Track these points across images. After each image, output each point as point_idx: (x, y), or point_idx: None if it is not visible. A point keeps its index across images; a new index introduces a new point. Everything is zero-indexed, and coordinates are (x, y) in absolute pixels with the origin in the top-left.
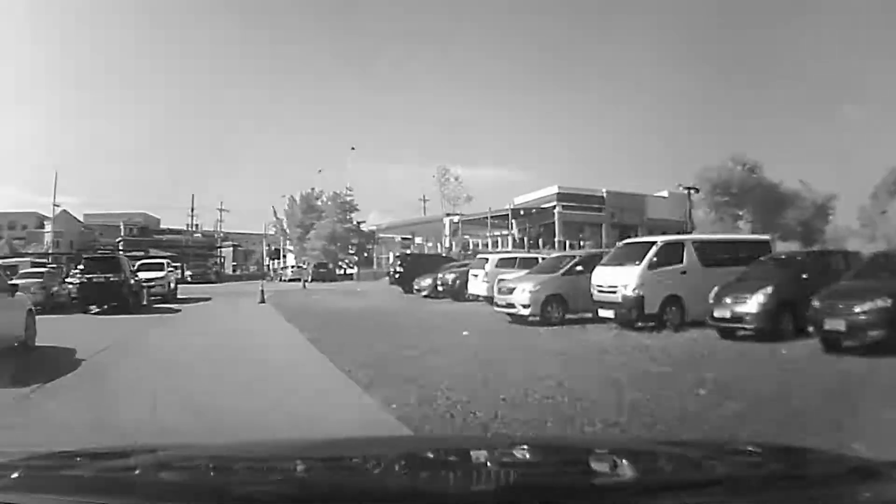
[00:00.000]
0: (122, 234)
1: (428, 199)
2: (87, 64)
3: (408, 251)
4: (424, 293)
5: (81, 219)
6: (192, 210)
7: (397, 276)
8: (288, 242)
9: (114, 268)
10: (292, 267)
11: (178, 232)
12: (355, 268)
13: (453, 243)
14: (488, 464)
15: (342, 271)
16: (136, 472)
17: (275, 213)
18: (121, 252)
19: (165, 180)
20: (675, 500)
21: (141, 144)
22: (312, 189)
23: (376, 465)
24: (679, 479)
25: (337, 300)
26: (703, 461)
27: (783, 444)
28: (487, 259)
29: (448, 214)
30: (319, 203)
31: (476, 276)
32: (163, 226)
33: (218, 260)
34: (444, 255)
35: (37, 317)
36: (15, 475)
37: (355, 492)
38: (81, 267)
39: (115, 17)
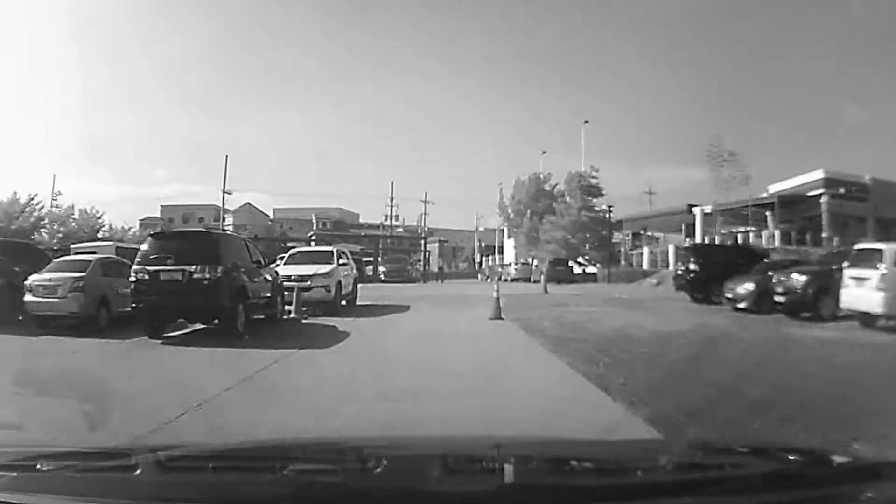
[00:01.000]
0: (315, 227)
1: (654, 192)
2: (270, 61)
3: (698, 242)
4: (742, 304)
5: (271, 214)
6: (392, 199)
7: (691, 277)
8: (510, 234)
9: (203, 253)
10: (517, 264)
11: (377, 227)
12: (596, 265)
13: (705, 238)
14: (488, 464)
15: (581, 270)
16: (136, 472)
17: (501, 195)
18: (226, 231)
19: (367, 175)
20: (675, 500)
21: (344, 140)
22: (539, 173)
23: (376, 465)
24: (679, 479)
25: (615, 316)
26: (703, 461)
27: (783, 444)
28: (882, 251)
29: (691, 206)
30: (547, 187)
31: (860, 279)
32: (362, 220)
33: (422, 256)
34: (750, 248)
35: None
36: (15, 475)
37: (355, 492)
38: (148, 251)
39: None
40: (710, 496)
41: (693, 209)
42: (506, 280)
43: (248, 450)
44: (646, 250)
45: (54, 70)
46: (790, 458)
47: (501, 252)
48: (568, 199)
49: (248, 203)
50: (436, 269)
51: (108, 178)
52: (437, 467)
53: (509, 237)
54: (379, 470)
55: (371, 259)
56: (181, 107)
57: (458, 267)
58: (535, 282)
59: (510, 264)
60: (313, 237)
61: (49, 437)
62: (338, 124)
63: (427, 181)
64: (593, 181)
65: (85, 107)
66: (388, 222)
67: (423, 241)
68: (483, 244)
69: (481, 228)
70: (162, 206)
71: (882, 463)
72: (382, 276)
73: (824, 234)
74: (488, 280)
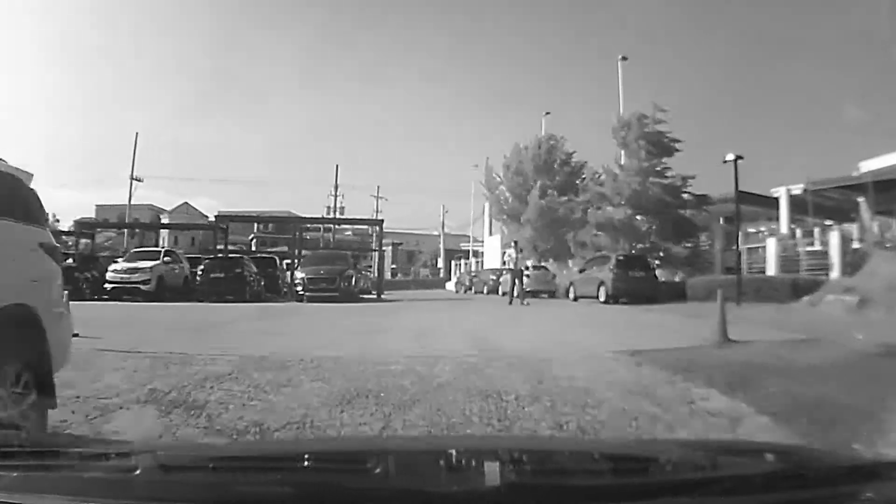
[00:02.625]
0: (256, 229)
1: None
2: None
3: None
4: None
5: (212, 218)
6: (336, 188)
7: None
8: (497, 219)
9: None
10: (526, 268)
11: (328, 221)
12: (675, 270)
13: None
14: (488, 464)
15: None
16: (136, 472)
17: (488, 170)
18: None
19: (313, 179)
20: (675, 500)
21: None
22: (552, 135)
23: (377, 464)
24: (679, 479)
25: None
26: (703, 461)
27: (783, 444)
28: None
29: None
30: (562, 156)
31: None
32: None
33: (377, 260)
34: None
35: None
36: (15, 475)
37: (355, 492)
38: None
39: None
40: (709, 496)
41: (776, 192)
42: (515, 296)
43: (249, 450)
44: (772, 243)
45: None
46: (790, 458)
47: (476, 255)
48: (623, 159)
49: (186, 203)
50: (389, 277)
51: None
52: (438, 467)
53: (491, 234)
54: (379, 470)
55: (284, 262)
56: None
57: (417, 273)
58: (575, 298)
59: (503, 268)
60: (253, 239)
61: (49, 437)
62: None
63: (383, 177)
64: (663, 129)
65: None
66: (334, 217)
67: (375, 236)
68: (440, 247)
69: (447, 229)
70: (97, 205)
71: (882, 463)
72: (300, 290)
73: None
74: (468, 292)
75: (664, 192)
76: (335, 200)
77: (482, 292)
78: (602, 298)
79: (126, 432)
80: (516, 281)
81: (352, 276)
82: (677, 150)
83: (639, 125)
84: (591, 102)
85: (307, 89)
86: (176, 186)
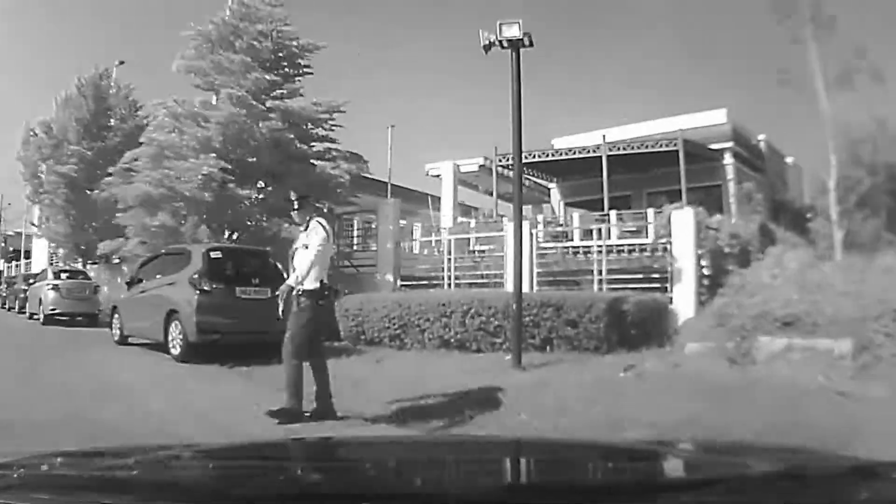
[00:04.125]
0: None
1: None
2: None
3: None
4: None
5: None
6: None
7: None
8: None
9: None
10: (61, 272)
11: None
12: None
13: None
14: (488, 464)
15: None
16: (136, 472)
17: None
18: None
19: None
20: (675, 500)
21: None
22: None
23: (376, 465)
24: (679, 479)
25: None
26: (703, 461)
27: (783, 444)
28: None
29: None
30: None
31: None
32: None
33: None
34: None
35: None
36: (15, 475)
37: (355, 492)
38: None
39: None
40: (710, 496)
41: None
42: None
43: (248, 450)
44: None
45: None
46: (790, 458)
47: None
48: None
49: None
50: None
51: None
52: (438, 467)
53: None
54: (380, 470)
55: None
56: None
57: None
58: (122, 338)
59: (49, 278)
60: None
61: (49, 437)
62: None
63: None
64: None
65: None
66: None
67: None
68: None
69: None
70: None
71: (881, 463)
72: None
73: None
74: None
75: (290, 130)
76: None
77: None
78: (178, 350)
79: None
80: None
81: None
82: (307, 71)
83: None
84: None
85: None
86: None
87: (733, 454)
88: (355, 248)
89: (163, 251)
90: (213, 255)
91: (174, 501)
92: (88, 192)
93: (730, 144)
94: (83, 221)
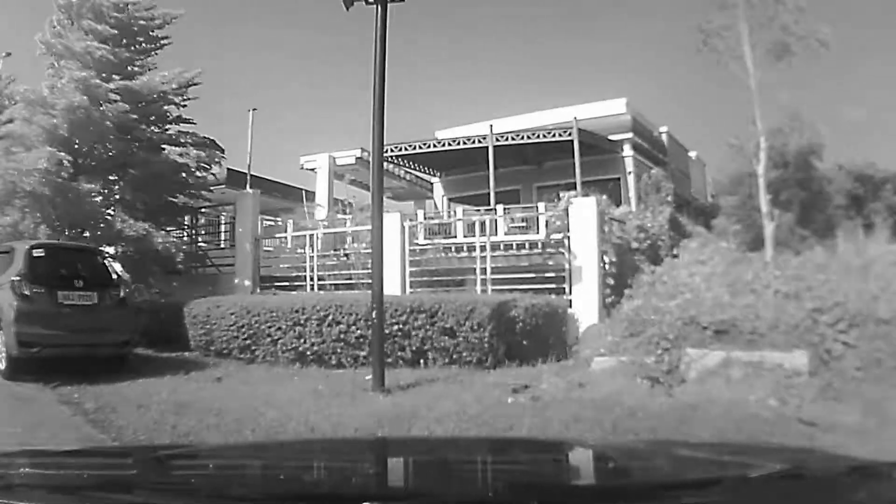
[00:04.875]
0: None
1: None
2: None
3: None
4: None
5: None
6: None
7: None
8: None
9: None
10: None
11: None
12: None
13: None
14: (488, 464)
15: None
16: (136, 472)
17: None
18: None
19: None
20: (675, 500)
21: None
22: None
23: (376, 465)
24: (679, 479)
25: None
26: (703, 461)
27: (784, 444)
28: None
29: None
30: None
31: None
32: None
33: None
34: None
35: None
36: (15, 475)
37: (355, 492)
38: None
39: None
40: (710, 496)
41: (311, 161)
42: None
43: (248, 449)
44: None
45: None
46: (790, 458)
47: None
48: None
49: None
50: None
51: None
52: (438, 468)
53: None
54: (379, 470)
55: None
56: None
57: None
58: None
59: None
60: None
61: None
62: None
63: None
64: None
65: None
66: None
67: None
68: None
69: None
70: None
71: (881, 463)
72: None
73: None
74: None
75: (137, 111)
76: None
77: None
78: (2, 365)
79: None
80: None
81: None
82: (165, 43)
83: None
84: None
85: None
86: None
87: (733, 454)
88: (222, 245)
89: None
90: (35, 253)
91: (174, 501)
92: None
93: (629, 135)
94: None
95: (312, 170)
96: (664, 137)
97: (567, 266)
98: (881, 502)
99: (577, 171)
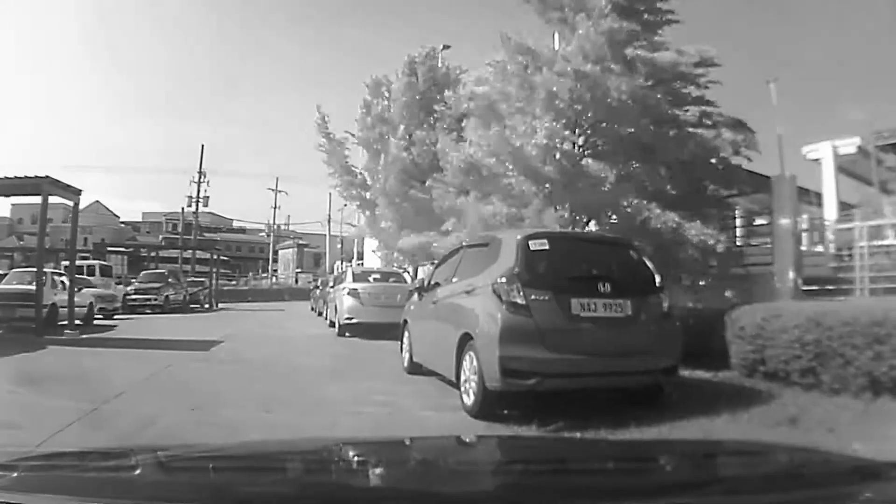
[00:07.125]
0: (164, 230)
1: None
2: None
3: None
4: None
5: (141, 217)
6: (200, 171)
7: None
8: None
9: None
10: (368, 274)
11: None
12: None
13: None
14: (488, 464)
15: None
16: (136, 472)
17: (322, 118)
18: None
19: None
20: (675, 500)
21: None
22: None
23: (376, 465)
24: (679, 479)
25: None
26: (703, 461)
27: (784, 444)
28: None
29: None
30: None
31: None
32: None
33: (262, 266)
34: None
35: None
36: (15, 475)
37: (355, 492)
38: None
39: None
40: (710, 496)
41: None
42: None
43: (248, 450)
44: None
45: None
46: (790, 458)
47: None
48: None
49: (98, 201)
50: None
51: None
52: (437, 467)
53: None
54: (379, 470)
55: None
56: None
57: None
58: (411, 365)
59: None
60: (163, 241)
61: (49, 437)
62: None
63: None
64: None
65: None
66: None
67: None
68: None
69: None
70: (13, 204)
71: (882, 463)
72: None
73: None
74: (321, 316)
75: (657, 88)
76: (198, 189)
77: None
78: (471, 398)
79: None
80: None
81: (169, 291)
82: (672, 18)
83: None
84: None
85: None
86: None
87: (734, 454)
88: (742, 243)
89: (463, 243)
90: (533, 245)
91: (174, 502)
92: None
93: None
94: (406, 209)
95: (816, 160)
96: None
97: None
98: (882, 502)
99: None
